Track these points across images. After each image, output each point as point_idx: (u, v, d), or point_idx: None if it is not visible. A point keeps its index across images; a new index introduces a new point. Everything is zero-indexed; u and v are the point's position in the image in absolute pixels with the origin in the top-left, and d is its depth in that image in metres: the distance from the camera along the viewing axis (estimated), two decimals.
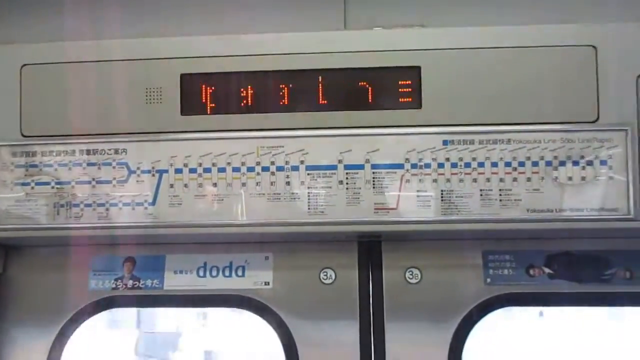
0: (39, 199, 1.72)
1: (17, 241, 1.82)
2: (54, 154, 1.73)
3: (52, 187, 1.72)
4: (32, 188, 1.72)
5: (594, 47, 1.64)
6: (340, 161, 1.67)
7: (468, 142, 1.65)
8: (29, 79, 1.74)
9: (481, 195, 1.64)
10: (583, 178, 1.62)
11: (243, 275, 1.84)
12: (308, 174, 1.67)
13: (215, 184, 1.68)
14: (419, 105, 1.66)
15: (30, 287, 1.88)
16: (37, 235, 1.73)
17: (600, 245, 1.77)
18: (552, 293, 1.78)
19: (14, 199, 1.72)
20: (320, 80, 1.69)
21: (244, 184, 1.68)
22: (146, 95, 1.71)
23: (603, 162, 1.62)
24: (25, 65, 1.74)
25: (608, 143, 1.62)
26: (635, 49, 1.63)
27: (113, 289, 1.86)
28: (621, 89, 1.62)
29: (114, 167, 1.71)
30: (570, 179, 1.63)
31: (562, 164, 1.63)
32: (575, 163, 1.63)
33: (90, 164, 1.72)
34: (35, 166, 1.73)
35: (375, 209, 1.65)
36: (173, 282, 1.85)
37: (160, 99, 1.71)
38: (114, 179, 1.71)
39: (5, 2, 1.96)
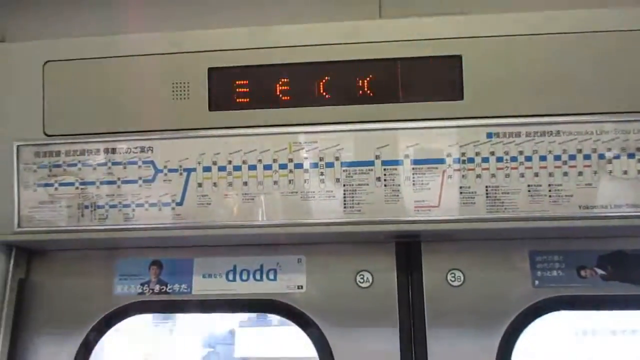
0: (63, 201, 1.66)
1: (40, 245, 1.76)
2: (78, 153, 1.67)
3: (77, 188, 1.66)
4: (56, 189, 1.66)
5: None
6: (377, 157, 1.58)
7: (514, 135, 1.55)
8: (52, 76, 1.69)
9: (529, 191, 1.54)
10: (639, 171, 1.52)
11: (275, 279, 1.75)
12: (344, 171, 1.58)
13: (245, 183, 1.60)
14: (460, 96, 1.57)
15: (54, 293, 1.82)
16: (61, 239, 1.68)
17: None
18: (605, 296, 1.66)
19: (37, 201, 1.67)
20: (355, 71, 1.60)
21: (275, 182, 1.60)
22: (173, 91, 1.64)
23: None
24: (48, 62, 1.69)
25: None
26: None
27: (139, 294, 1.79)
28: None
29: (139, 167, 1.64)
30: (625, 172, 1.53)
31: (617, 156, 1.53)
32: (631, 155, 1.53)
33: (115, 163, 1.65)
34: (58, 166, 1.67)
35: (416, 207, 1.56)
36: (202, 286, 1.77)
37: (188, 94, 1.64)
38: (140, 178, 1.64)
39: None
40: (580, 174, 1.53)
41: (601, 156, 1.53)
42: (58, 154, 1.67)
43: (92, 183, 1.65)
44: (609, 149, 1.53)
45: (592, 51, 1.55)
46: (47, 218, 1.66)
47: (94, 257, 1.81)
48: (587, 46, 1.56)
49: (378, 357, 1.65)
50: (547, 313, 1.66)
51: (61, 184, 1.66)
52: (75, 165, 1.66)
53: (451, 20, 1.62)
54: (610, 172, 1.53)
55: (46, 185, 1.67)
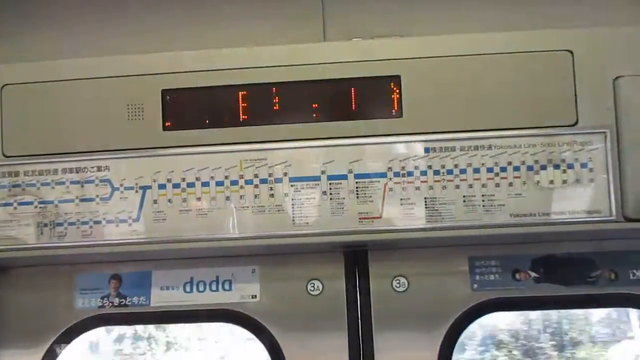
0: (22, 219, 1.71)
1: (1, 262, 1.80)
2: (37, 173, 1.71)
3: (35, 207, 1.71)
4: (15, 208, 1.71)
5: (570, 51, 1.65)
6: (323, 172, 1.67)
7: (449, 149, 1.66)
8: (9, 99, 1.73)
9: (464, 201, 1.64)
10: (564, 181, 1.63)
11: (230, 289, 1.83)
12: (292, 186, 1.67)
13: (199, 199, 1.68)
14: (400, 114, 1.67)
15: (16, 308, 1.87)
16: (22, 256, 1.72)
17: (585, 247, 1.79)
18: (539, 297, 1.78)
19: None
20: (301, 92, 1.69)
21: (228, 198, 1.68)
22: (128, 112, 1.71)
23: (584, 165, 1.63)
24: (5, 85, 1.74)
25: (588, 145, 1.64)
26: (611, 52, 1.65)
27: (99, 307, 1.85)
28: (599, 92, 1.64)
29: (96, 185, 1.70)
30: (551, 182, 1.64)
31: (544, 167, 1.64)
32: (556, 166, 1.64)
33: (73, 182, 1.71)
34: (18, 186, 1.72)
35: (360, 218, 1.65)
36: (160, 298, 1.84)
37: (142, 115, 1.71)
38: (97, 196, 1.70)
39: None
40: (510, 184, 1.64)
41: (529, 168, 1.64)
42: (17, 174, 1.72)
43: (51, 202, 1.71)
44: (537, 161, 1.64)
45: (520, 70, 1.66)
46: (7, 237, 1.70)
47: (54, 273, 1.86)
48: (515, 66, 1.66)
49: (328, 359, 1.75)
50: (485, 314, 1.78)
51: (20, 203, 1.71)
52: (33, 185, 1.71)
53: (390, 42, 1.72)
54: (538, 182, 1.64)
55: (5, 204, 1.71)
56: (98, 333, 2.20)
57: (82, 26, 1.92)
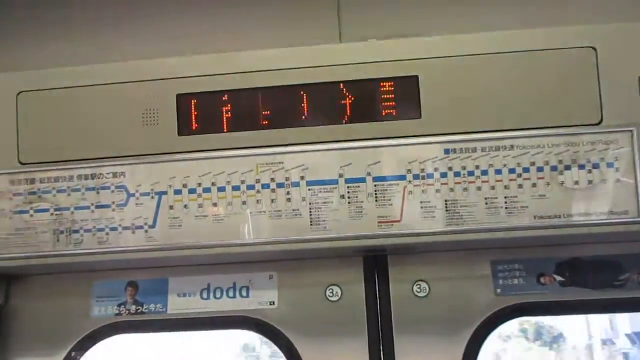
0: (39, 226, 1.70)
1: (18, 270, 1.80)
2: (52, 180, 1.71)
3: (52, 214, 1.70)
4: (31, 215, 1.70)
5: (593, 48, 1.62)
6: (341, 175, 1.64)
7: (470, 150, 1.62)
8: (25, 106, 1.73)
9: (486, 203, 1.60)
10: (590, 181, 1.59)
11: (247, 296, 1.80)
12: (309, 189, 1.64)
13: (215, 204, 1.66)
14: (418, 115, 1.64)
15: (33, 317, 1.86)
16: (38, 263, 1.71)
17: (612, 249, 1.73)
18: (564, 301, 1.73)
19: (14, 228, 1.70)
20: (317, 94, 1.67)
21: (244, 203, 1.65)
22: (143, 117, 1.70)
23: (609, 164, 1.59)
24: (21, 92, 1.74)
25: (613, 145, 1.59)
26: (635, 48, 1.61)
27: (116, 314, 1.83)
28: (623, 90, 1.60)
29: (112, 191, 1.69)
30: (576, 183, 1.59)
31: (568, 168, 1.60)
32: (581, 166, 1.60)
33: (88, 189, 1.70)
34: (34, 193, 1.71)
35: (379, 222, 1.62)
36: (177, 305, 1.82)
37: (157, 120, 1.69)
38: (113, 202, 1.69)
39: None
40: (534, 185, 1.60)
41: (553, 168, 1.60)
42: (33, 181, 1.72)
43: (67, 209, 1.70)
44: (560, 161, 1.60)
45: (542, 68, 1.62)
46: (23, 244, 1.69)
47: (70, 280, 1.85)
48: (537, 63, 1.63)
49: None
50: (509, 320, 1.73)
51: (36, 211, 1.70)
52: (49, 192, 1.71)
53: (407, 42, 1.69)
54: (562, 182, 1.60)
55: (22, 212, 1.71)
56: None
57: (96, 32, 1.93)
